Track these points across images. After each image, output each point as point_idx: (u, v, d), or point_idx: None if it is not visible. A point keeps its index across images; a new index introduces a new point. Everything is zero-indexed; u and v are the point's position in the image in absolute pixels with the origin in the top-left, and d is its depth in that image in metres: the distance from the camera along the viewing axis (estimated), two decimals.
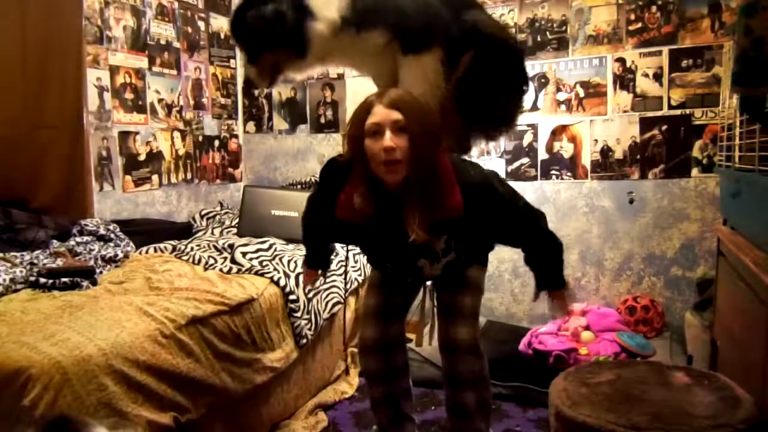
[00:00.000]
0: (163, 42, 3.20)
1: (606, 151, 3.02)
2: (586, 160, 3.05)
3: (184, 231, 3.01)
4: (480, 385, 1.71)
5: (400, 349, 1.82)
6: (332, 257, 1.96)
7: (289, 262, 2.43)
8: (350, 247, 2.85)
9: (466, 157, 1.73)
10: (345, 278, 2.63)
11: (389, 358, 1.78)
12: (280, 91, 3.74)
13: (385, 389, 1.80)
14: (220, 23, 3.65)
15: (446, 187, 1.50)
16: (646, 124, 2.94)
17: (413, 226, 1.49)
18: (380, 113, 1.44)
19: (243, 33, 1.64)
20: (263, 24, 1.58)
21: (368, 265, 2.82)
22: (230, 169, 3.76)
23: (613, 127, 2.99)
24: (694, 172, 2.87)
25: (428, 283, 2.04)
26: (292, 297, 2.26)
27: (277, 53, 1.64)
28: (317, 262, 1.93)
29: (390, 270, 1.76)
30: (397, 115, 1.42)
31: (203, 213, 3.30)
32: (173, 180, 3.29)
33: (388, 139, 1.42)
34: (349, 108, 3.46)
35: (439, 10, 1.66)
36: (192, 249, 2.50)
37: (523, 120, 2.76)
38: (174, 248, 2.54)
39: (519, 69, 1.82)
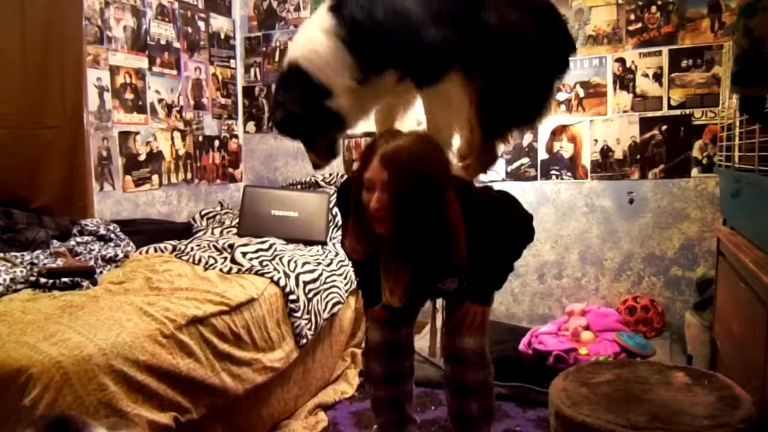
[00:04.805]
0: (163, 42, 3.20)
1: (606, 151, 3.02)
2: (586, 160, 3.05)
3: (184, 231, 3.01)
4: (485, 393, 1.71)
5: (407, 354, 1.80)
6: None
7: (289, 262, 2.43)
8: None
9: (484, 181, 1.70)
10: (345, 278, 2.63)
11: (395, 361, 1.76)
12: None
13: (389, 393, 1.78)
14: (220, 23, 3.65)
15: (452, 240, 1.49)
16: (646, 124, 2.94)
17: (385, 291, 1.51)
18: (374, 169, 1.43)
19: (287, 134, 1.64)
20: (293, 132, 1.59)
21: None
22: (230, 169, 3.76)
23: (613, 127, 2.99)
24: (694, 172, 2.87)
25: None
26: (292, 297, 2.26)
27: (323, 137, 1.62)
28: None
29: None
30: (386, 176, 1.41)
31: (203, 213, 3.30)
32: (173, 180, 3.29)
33: (375, 199, 1.42)
34: None
35: (448, 24, 1.49)
36: (192, 249, 2.50)
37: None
38: (174, 248, 2.54)
39: (552, 55, 1.62)
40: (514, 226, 1.62)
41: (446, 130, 1.62)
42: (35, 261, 2.14)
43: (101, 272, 2.24)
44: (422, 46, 1.48)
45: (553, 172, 3.12)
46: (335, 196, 1.75)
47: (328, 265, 2.61)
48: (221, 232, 2.96)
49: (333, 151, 1.67)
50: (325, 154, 1.66)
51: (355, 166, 1.53)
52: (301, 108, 1.52)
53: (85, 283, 2.04)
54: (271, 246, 2.59)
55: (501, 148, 1.78)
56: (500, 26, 1.51)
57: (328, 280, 2.52)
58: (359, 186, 1.48)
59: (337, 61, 1.47)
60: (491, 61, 1.52)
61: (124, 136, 2.98)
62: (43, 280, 1.98)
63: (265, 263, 2.35)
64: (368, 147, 1.49)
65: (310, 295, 2.36)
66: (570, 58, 1.66)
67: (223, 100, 3.69)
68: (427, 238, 1.46)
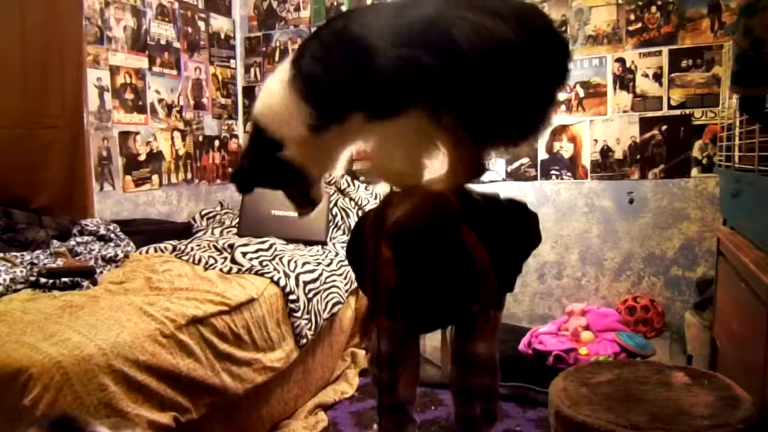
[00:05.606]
0: (163, 42, 3.20)
1: (606, 151, 3.02)
2: (586, 160, 3.05)
3: (184, 231, 3.01)
4: (491, 397, 1.70)
5: (414, 363, 1.79)
6: None
7: (289, 262, 2.43)
8: None
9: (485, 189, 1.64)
10: (345, 278, 2.63)
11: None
12: None
13: (394, 399, 1.77)
14: (220, 23, 3.65)
15: (484, 276, 1.47)
16: (645, 124, 2.94)
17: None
18: (385, 250, 1.41)
19: (237, 188, 1.58)
20: (242, 185, 1.54)
21: None
22: (230, 169, 3.76)
23: (613, 127, 2.99)
24: (694, 172, 2.87)
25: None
26: (292, 297, 2.26)
27: (289, 187, 1.56)
28: None
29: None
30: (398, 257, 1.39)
31: (203, 213, 3.30)
32: (173, 180, 3.29)
33: (395, 277, 1.40)
34: None
35: (410, 48, 1.31)
36: (192, 249, 2.50)
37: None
38: (174, 248, 2.54)
39: (542, 66, 1.39)
40: (524, 233, 1.61)
41: (405, 169, 1.51)
42: (35, 261, 2.14)
43: (101, 272, 2.24)
44: (376, 76, 1.34)
45: (553, 172, 3.12)
46: (346, 246, 1.75)
47: (328, 265, 2.61)
48: (221, 232, 2.96)
49: (309, 199, 1.58)
50: (303, 203, 1.60)
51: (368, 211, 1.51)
52: (249, 162, 1.49)
53: (85, 283, 2.04)
54: (271, 246, 2.59)
55: (492, 156, 1.62)
56: (471, 44, 1.31)
57: (328, 280, 2.52)
58: (375, 264, 1.45)
59: (290, 112, 1.40)
60: (465, 83, 1.35)
61: (124, 136, 2.98)
62: (43, 280, 1.98)
63: (265, 263, 2.35)
64: (376, 216, 1.46)
65: (310, 295, 2.36)
66: (568, 65, 1.45)
67: (223, 100, 3.69)
68: (461, 290, 1.45)
